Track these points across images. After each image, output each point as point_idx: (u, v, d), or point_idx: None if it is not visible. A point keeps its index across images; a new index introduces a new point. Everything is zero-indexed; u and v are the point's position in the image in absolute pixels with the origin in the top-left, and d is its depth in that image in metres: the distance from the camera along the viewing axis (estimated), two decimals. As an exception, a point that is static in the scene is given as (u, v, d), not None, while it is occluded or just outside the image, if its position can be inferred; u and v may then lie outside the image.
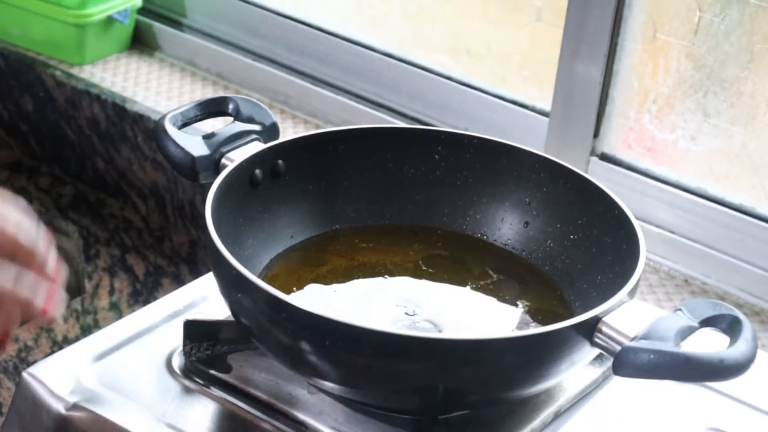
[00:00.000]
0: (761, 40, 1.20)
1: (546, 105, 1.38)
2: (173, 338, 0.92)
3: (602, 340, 0.80)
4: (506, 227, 1.00)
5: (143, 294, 1.55)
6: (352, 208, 1.01)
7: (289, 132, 1.51)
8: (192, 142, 0.95)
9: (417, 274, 0.97)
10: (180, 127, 0.96)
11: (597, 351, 0.81)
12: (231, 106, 0.99)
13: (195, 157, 0.94)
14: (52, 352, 0.94)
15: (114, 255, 1.57)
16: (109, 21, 1.64)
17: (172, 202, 1.55)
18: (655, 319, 0.81)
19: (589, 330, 0.80)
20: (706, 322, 0.82)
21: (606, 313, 0.81)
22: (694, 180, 1.28)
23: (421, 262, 0.98)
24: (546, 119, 1.37)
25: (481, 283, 0.96)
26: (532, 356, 0.79)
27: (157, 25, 1.69)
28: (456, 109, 1.46)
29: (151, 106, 1.54)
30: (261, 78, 1.60)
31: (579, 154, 1.34)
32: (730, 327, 0.81)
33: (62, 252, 1.68)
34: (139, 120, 1.53)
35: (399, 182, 1.01)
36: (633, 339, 0.79)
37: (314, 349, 0.79)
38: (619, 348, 0.79)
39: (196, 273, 1.50)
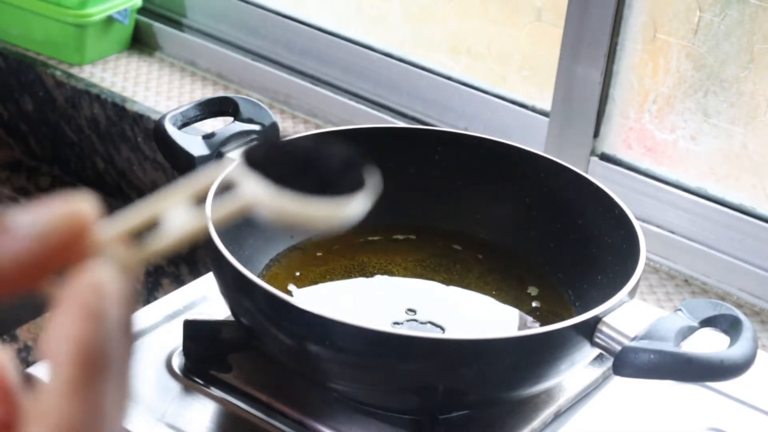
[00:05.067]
0: (761, 40, 1.20)
1: (546, 105, 1.38)
2: (173, 338, 0.92)
3: (602, 340, 0.80)
4: (506, 227, 1.00)
5: (143, 294, 1.55)
6: (352, 208, 1.01)
7: (289, 132, 1.50)
8: (192, 142, 0.95)
9: (417, 273, 0.97)
10: (180, 127, 0.96)
11: (597, 351, 0.81)
12: (231, 106, 0.99)
13: (195, 157, 0.94)
14: (52, 352, 0.93)
15: (114, 255, 1.57)
16: (109, 21, 1.63)
17: (172, 202, 1.55)
18: (655, 319, 0.81)
19: (589, 330, 0.80)
20: (707, 323, 0.82)
21: (606, 313, 0.81)
22: (694, 180, 1.28)
23: (421, 261, 0.98)
24: (546, 119, 1.37)
25: (482, 283, 0.96)
26: (532, 356, 0.79)
27: (157, 25, 1.69)
28: (456, 109, 1.46)
29: (151, 106, 1.54)
30: (261, 78, 1.60)
31: (579, 154, 1.33)
32: (731, 327, 0.81)
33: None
34: (139, 120, 1.52)
35: (399, 182, 1.01)
36: (633, 339, 0.79)
37: (314, 349, 0.79)
38: (619, 348, 0.79)
39: (196, 273, 1.50)
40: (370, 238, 1.00)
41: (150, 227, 0.31)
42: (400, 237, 1.01)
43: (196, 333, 0.90)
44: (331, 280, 0.95)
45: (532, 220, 0.99)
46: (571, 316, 0.90)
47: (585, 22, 1.28)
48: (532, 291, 0.96)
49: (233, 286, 0.83)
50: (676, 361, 0.77)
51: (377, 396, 0.85)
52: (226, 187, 0.33)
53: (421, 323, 0.90)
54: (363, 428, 0.85)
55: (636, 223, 0.90)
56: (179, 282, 1.52)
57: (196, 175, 0.32)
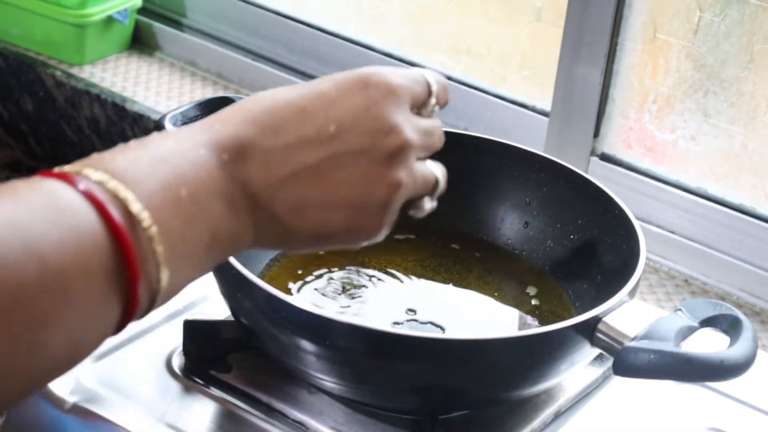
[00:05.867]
0: (761, 40, 1.20)
1: (546, 105, 1.38)
2: (173, 338, 0.92)
3: (602, 340, 0.80)
4: (506, 227, 1.00)
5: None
6: (352, 208, 1.01)
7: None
8: (192, 142, 0.95)
9: (417, 273, 0.97)
10: (180, 127, 0.96)
11: (597, 351, 0.81)
12: (231, 106, 0.99)
13: (195, 157, 0.94)
14: (52, 352, 0.93)
15: (114, 255, 1.57)
16: (109, 21, 1.64)
17: (172, 202, 1.55)
18: (655, 319, 0.81)
19: (589, 330, 0.80)
20: (707, 323, 0.82)
21: (606, 313, 0.81)
22: (694, 180, 1.28)
23: (421, 261, 0.98)
24: (546, 119, 1.37)
25: (482, 283, 0.96)
26: (532, 356, 0.79)
27: (157, 25, 1.69)
28: (456, 109, 1.46)
29: (151, 106, 1.54)
30: (261, 78, 1.60)
31: (579, 154, 1.34)
32: (731, 327, 0.81)
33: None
34: (139, 120, 1.53)
35: (399, 182, 1.01)
36: (633, 339, 0.79)
37: (314, 349, 0.79)
38: (619, 348, 0.79)
39: (196, 273, 1.50)
40: (370, 238, 1.00)
41: None
42: (400, 237, 1.01)
43: (196, 333, 0.90)
44: (332, 280, 0.95)
45: (532, 220, 0.99)
46: (571, 316, 0.90)
47: (585, 22, 1.28)
48: (532, 291, 0.96)
49: (233, 286, 0.83)
50: (676, 361, 0.77)
51: (377, 396, 0.85)
52: None
53: (421, 323, 0.90)
54: (363, 428, 0.85)
55: (636, 223, 0.90)
56: (179, 282, 1.52)
57: None
